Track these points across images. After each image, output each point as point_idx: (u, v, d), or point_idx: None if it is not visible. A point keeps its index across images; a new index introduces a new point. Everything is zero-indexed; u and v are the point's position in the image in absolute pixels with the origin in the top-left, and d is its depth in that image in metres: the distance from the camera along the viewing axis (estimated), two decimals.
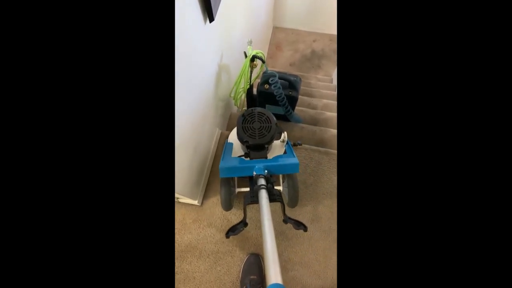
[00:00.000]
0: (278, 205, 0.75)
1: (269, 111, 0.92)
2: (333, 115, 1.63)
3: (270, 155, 0.91)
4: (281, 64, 2.90)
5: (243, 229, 0.71)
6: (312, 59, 2.95)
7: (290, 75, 1.27)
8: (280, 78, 1.21)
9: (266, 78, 1.22)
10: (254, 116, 0.90)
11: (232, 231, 0.70)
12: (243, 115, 0.90)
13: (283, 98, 1.23)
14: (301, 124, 1.47)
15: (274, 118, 0.91)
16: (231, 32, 1.24)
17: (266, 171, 0.80)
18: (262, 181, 0.76)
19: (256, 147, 0.87)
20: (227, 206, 0.98)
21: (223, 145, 1.10)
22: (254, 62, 1.17)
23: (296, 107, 1.39)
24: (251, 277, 0.98)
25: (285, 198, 1.02)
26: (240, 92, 1.34)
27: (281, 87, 1.19)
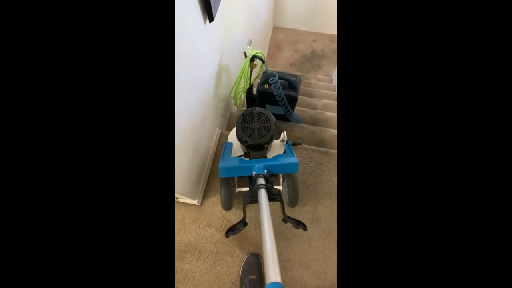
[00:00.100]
0: (277, 204, 0.75)
1: (268, 111, 0.92)
2: (333, 115, 1.63)
3: (269, 155, 0.91)
4: (281, 64, 2.90)
5: (243, 228, 0.71)
6: (312, 59, 2.95)
7: (290, 75, 1.27)
8: (280, 78, 1.21)
9: (266, 78, 1.21)
10: (253, 116, 0.90)
11: (231, 230, 0.70)
12: (242, 115, 0.90)
13: (283, 98, 1.23)
14: (301, 124, 1.47)
15: (273, 118, 0.90)
16: (231, 32, 1.24)
17: (265, 170, 0.80)
18: (261, 181, 0.75)
19: (255, 147, 0.86)
20: (227, 206, 0.98)
21: (222, 145, 1.10)
22: (254, 62, 1.17)
23: (296, 107, 1.39)
24: (251, 277, 0.98)
25: (285, 198, 1.02)
26: (240, 92, 1.34)
27: (281, 87, 1.19)
